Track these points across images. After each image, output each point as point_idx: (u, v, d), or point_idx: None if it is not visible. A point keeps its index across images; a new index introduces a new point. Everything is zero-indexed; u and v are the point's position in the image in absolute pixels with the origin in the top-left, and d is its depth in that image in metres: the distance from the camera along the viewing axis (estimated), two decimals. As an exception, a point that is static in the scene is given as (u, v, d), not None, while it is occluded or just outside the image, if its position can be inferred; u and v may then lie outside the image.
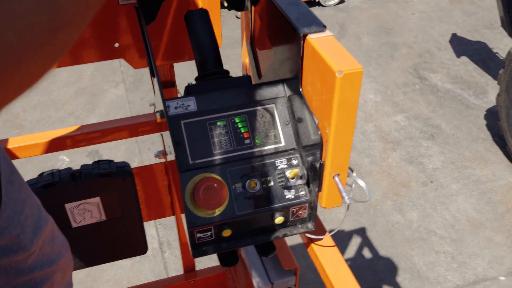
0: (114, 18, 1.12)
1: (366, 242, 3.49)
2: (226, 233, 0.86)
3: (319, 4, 6.33)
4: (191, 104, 0.86)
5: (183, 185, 0.83)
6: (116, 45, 1.15)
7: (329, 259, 0.92)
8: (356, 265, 3.31)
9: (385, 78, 5.10)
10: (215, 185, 0.81)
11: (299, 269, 1.20)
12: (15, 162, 1.03)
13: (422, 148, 4.23)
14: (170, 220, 3.52)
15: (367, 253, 3.41)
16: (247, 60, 1.15)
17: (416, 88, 4.95)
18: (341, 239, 3.46)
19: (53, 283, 1.03)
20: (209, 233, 0.86)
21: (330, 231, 0.95)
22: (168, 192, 1.49)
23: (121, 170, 1.36)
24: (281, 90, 0.89)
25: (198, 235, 0.85)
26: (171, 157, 0.89)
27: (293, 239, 3.32)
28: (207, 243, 0.88)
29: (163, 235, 3.55)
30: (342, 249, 3.39)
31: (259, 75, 1.11)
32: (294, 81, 0.88)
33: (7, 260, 0.90)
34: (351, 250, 3.42)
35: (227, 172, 0.86)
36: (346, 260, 3.28)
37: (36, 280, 0.97)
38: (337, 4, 6.41)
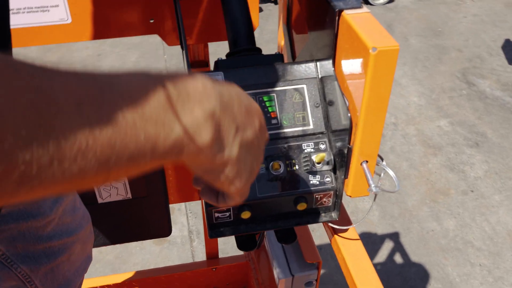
0: None
1: (399, 247, 3.39)
2: (245, 215, 0.82)
3: (367, 2, 6.21)
4: (219, 79, 0.83)
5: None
6: (151, 20, 1.13)
7: (352, 252, 0.87)
8: (386, 270, 3.22)
9: (431, 81, 4.95)
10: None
11: (321, 263, 1.16)
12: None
13: (465, 156, 4.08)
14: (202, 209, 3.53)
15: (398, 259, 3.32)
16: (282, 42, 1.12)
17: (463, 93, 4.78)
18: (373, 242, 3.38)
19: (72, 254, 1.01)
20: (227, 214, 0.82)
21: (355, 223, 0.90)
22: (196, 175, 1.46)
23: (150, 149, 1.34)
24: (313, 71, 0.85)
25: (216, 214, 0.82)
26: None
27: (322, 238, 3.26)
28: (224, 224, 0.84)
29: (193, 224, 3.56)
30: (373, 252, 3.30)
31: (293, 57, 1.07)
32: (327, 62, 0.83)
33: (25, 225, 0.89)
34: (382, 254, 3.34)
35: None
36: (376, 265, 3.19)
37: (55, 248, 0.96)
38: (386, 4, 6.27)
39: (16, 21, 1.06)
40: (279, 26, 1.14)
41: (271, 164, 0.81)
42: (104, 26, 1.12)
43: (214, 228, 0.84)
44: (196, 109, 0.46)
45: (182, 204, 3.60)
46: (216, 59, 0.88)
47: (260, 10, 6.18)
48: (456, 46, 5.51)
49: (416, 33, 5.79)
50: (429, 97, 4.74)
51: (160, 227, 1.51)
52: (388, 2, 6.27)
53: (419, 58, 5.31)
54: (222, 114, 0.48)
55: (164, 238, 3.32)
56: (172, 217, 3.44)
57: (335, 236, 0.91)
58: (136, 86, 0.45)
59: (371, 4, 6.21)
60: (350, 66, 0.72)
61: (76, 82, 0.43)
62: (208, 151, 0.48)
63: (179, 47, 1.13)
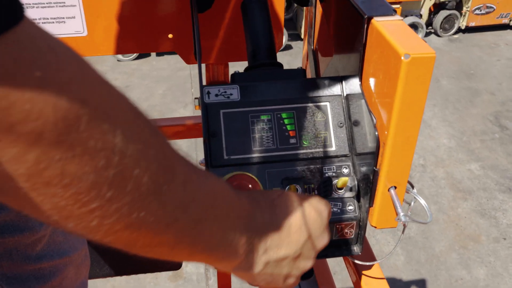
0: (169, 8, 1.06)
1: (425, 295, 3.21)
2: (256, 243, 0.73)
3: (397, 43, 6.17)
4: (234, 93, 0.76)
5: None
6: (170, 36, 1.08)
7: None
8: (412, 319, 3.04)
9: (461, 124, 4.82)
10: (249, 184, 0.70)
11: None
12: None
13: (497, 201, 3.90)
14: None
15: (425, 307, 3.14)
16: (307, 63, 1.05)
17: (496, 137, 4.62)
18: (398, 288, 3.21)
19: (64, 278, 0.94)
20: (236, 241, 0.74)
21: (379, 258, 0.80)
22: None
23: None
24: (338, 88, 0.78)
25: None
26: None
27: (345, 282, 3.11)
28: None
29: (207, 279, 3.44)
30: (398, 299, 3.13)
31: (318, 75, 0.99)
32: (353, 78, 0.76)
33: (12, 241, 0.82)
34: (407, 302, 3.16)
35: (266, 173, 0.74)
36: (401, 312, 3.01)
37: (45, 271, 0.89)
38: (416, 45, 6.22)
39: (30, 31, 1.02)
40: (304, 42, 1.08)
41: (287, 187, 0.73)
42: (121, 40, 1.07)
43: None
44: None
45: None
46: (233, 73, 0.82)
47: (290, 47, 6.19)
48: (488, 89, 5.39)
49: (448, 75, 5.69)
50: (459, 140, 4.60)
51: (170, 260, 1.42)
52: (418, 43, 6.22)
53: (450, 100, 5.19)
54: (256, 238, 0.57)
55: (178, 274, 3.22)
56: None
57: (358, 275, 0.81)
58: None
59: (401, 45, 6.16)
60: (379, 78, 0.64)
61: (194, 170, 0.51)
62: (236, 267, 0.58)
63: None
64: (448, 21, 6.48)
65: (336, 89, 0.78)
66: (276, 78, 0.79)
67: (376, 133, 0.66)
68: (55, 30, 1.03)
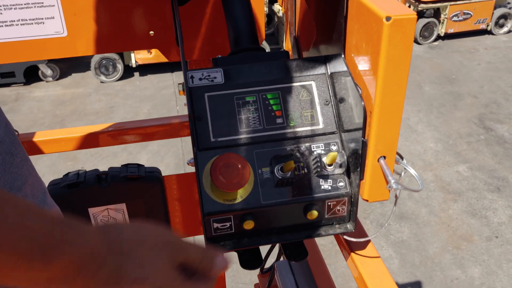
0: (150, 5, 1.05)
1: (422, 297, 3.19)
2: (248, 225, 0.72)
3: (379, 52, 6.24)
4: (218, 76, 0.76)
5: (200, 165, 0.72)
6: (151, 33, 1.08)
7: (372, 271, 0.76)
8: (410, 322, 3.02)
9: (447, 127, 4.86)
10: (237, 163, 0.69)
11: (338, 295, 1.04)
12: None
13: (487, 201, 3.92)
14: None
15: (422, 310, 3.12)
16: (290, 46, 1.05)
17: (481, 139, 4.66)
18: (394, 292, 3.18)
19: None
20: (228, 224, 0.73)
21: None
22: (201, 207, 1.37)
23: (150, 175, 1.26)
24: (322, 67, 0.77)
25: (215, 225, 0.72)
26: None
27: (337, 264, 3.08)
28: (225, 237, 0.74)
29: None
30: (395, 303, 3.10)
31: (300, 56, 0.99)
32: (337, 57, 0.76)
33: None
34: (404, 305, 3.14)
35: (254, 154, 0.73)
36: (399, 316, 2.99)
37: None
38: (397, 53, 6.29)
39: (9, 34, 1.01)
40: (286, 38, 1.08)
41: (276, 167, 0.72)
42: (102, 39, 1.07)
43: (213, 242, 0.74)
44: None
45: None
46: (216, 58, 0.81)
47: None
48: (471, 93, 5.45)
49: (430, 80, 5.75)
50: (446, 143, 4.63)
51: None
52: (399, 51, 6.29)
53: (434, 105, 5.24)
54: None
55: None
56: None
57: (352, 254, 0.80)
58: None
59: (382, 53, 6.22)
60: (362, 48, 0.64)
61: None
62: None
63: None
64: (427, 29, 6.57)
65: (320, 69, 0.77)
66: (259, 60, 0.79)
67: (363, 103, 0.65)
68: (35, 31, 1.02)
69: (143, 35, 1.08)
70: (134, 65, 6.04)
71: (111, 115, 5.35)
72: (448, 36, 6.80)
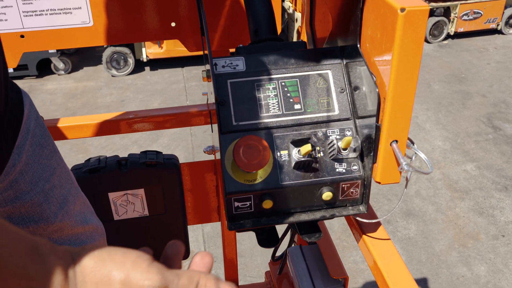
0: None
1: (427, 293, 3.23)
2: (267, 204, 0.77)
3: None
4: (240, 64, 0.80)
5: (223, 147, 0.76)
6: (173, 24, 1.12)
7: (383, 252, 0.80)
8: (415, 316, 3.05)
9: (455, 126, 4.87)
10: (258, 145, 0.73)
11: (348, 279, 1.08)
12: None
13: (494, 200, 3.94)
14: (221, 253, 3.43)
15: (427, 305, 3.15)
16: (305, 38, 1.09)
17: (489, 138, 4.68)
18: None
19: None
20: (248, 203, 0.77)
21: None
22: (215, 194, 1.42)
23: (168, 162, 1.30)
24: (338, 57, 0.82)
25: (236, 204, 0.77)
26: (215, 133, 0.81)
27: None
28: (245, 215, 0.79)
29: (213, 268, 3.44)
30: (401, 297, 3.14)
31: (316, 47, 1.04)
32: (352, 47, 0.80)
33: (27, 231, 0.84)
34: (410, 300, 3.17)
35: (273, 137, 0.78)
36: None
37: None
38: (407, 51, 6.30)
39: (39, 23, 1.06)
40: (302, 30, 1.12)
41: (297, 149, 0.77)
42: (126, 30, 1.12)
43: (234, 220, 0.79)
44: None
45: (202, 246, 3.51)
46: (238, 47, 0.86)
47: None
48: (480, 92, 5.46)
49: (439, 79, 5.77)
50: (454, 142, 4.65)
51: (177, 248, 1.44)
52: (409, 50, 6.30)
53: (442, 103, 5.26)
54: None
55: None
56: (189, 261, 3.35)
57: (364, 236, 0.84)
58: None
59: (392, 52, 6.24)
60: (377, 37, 0.68)
61: None
62: None
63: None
64: (437, 28, 6.58)
65: (336, 58, 0.82)
66: (278, 50, 0.83)
67: (377, 90, 0.70)
68: (63, 21, 1.07)
69: (165, 26, 1.13)
70: (145, 60, 6.10)
71: (122, 109, 5.41)
72: (458, 35, 6.81)
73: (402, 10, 0.60)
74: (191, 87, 5.89)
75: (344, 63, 0.81)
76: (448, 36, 6.79)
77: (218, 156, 0.91)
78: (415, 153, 0.71)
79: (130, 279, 0.49)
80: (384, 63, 0.67)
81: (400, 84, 0.65)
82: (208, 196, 1.43)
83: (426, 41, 6.65)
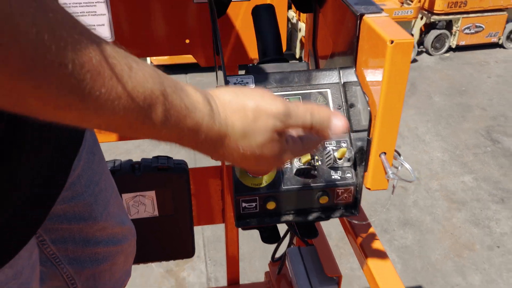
0: (187, 16, 1.21)
1: (422, 301, 3.31)
2: (271, 205, 0.87)
3: (391, 62, 6.35)
4: (249, 82, 0.91)
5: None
6: (187, 41, 1.23)
7: (372, 250, 0.90)
8: (409, 324, 3.13)
9: (454, 138, 4.97)
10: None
11: (342, 278, 1.18)
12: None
13: (490, 211, 4.03)
14: (220, 257, 3.52)
15: (422, 313, 3.24)
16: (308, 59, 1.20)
17: (488, 150, 4.78)
18: (395, 294, 3.30)
19: (114, 264, 1.06)
20: (254, 204, 0.87)
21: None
22: (220, 198, 1.52)
23: (178, 167, 1.41)
24: (336, 77, 0.92)
25: (243, 204, 0.87)
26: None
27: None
28: (251, 215, 0.89)
29: (212, 271, 3.53)
30: (396, 304, 3.22)
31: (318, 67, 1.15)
32: (349, 69, 0.90)
33: (77, 228, 0.95)
34: (404, 307, 3.25)
35: None
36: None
37: (99, 255, 1.02)
38: (409, 64, 6.40)
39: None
40: (305, 48, 1.23)
41: (298, 158, 0.87)
42: (144, 45, 1.22)
43: (241, 219, 0.89)
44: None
45: (202, 251, 3.60)
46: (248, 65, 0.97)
47: (286, 67, 6.36)
48: (480, 105, 5.56)
49: (440, 91, 5.87)
50: (452, 153, 4.74)
51: (184, 247, 1.55)
52: (411, 62, 6.40)
53: (442, 116, 5.36)
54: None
55: (181, 284, 3.31)
56: (190, 264, 3.44)
57: (357, 238, 0.94)
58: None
59: (394, 64, 6.33)
60: (370, 63, 0.79)
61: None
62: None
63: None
64: (439, 40, 6.69)
65: (335, 78, 0.92)
66: (284, 69, 0.94)
67: (369, 108, 0.80)
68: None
69: (180, 43, 1.23)
70: (150, 66, 6.19)
71: None
72: (459, 48, 6.92)
73: (391, 42, 0.71)
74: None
75: (342, 82, 0.92)
76: (450, 49, 6.90)
77: (225, 162, 1.02)
78: (401, 163, 0.81)
79: (260, 106, 0.60)
80: (376, 85, 0.77)
81: (389, 104, 0.75)
82: (212, 199, 1.54)
83: (428, 53, 6.77)
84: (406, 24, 6.35)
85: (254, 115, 0.60)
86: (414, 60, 6.51)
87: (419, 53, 6.79)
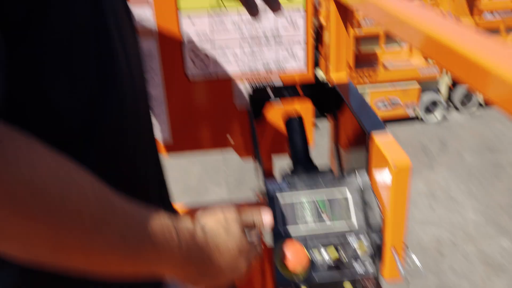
0: (229, 116, 1.52)
1: None
2: (307, 294, 1.06)
3: (420, 119, 6.47)
4: (284, 187, 1.13)
5: (275, 246, 1.07)
6: (228, 136, 1.51)
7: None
8: None
9: (487, 198, 4.96)
10: (301, 250, 1.04)
11: None
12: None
13: (530, 277, 3.95)
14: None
15: None
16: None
17: (522, 210, 4.75)
18: None
19: None
20: (292, 294, 1.06)
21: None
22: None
23: None
24: (356, 182, 1.13)
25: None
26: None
27: None
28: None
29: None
30: None
31: (341, 169, 1.37)
32: (365, 175, 1.12)
33: None
34: None
35: (306, 239, 1.08)
36: None
37: None
38: (439, 122, 6.50)
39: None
40: (330, 145, 1.47)
41: (327, 254, 1.06)
42: (190, 140, 1.50)
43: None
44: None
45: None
46: (282, 173, 1.20)
47: (316, 126, 6.59)
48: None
49: (471, 149, 5.91)
50: (486, 214, 4.71)
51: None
52: (442, 120, 6.50)
53: (474, 174, 5.38)
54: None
55: None
56: None
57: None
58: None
59: (423, 121, 6.44)
60: (380, 176, 1.00)
61: None
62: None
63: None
64: (467, 97, 6.72)
65: (354, 182, 1.13)
66: (312, 175, 1.16)
67: (381, 214, 1.00)
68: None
69: (222, 137, 1.54)
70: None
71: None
72: (489, 105, 6.96)
73: (395, 167, 0.92)
74: (229, 158, 6.17)
75: (360, 187, 1.12)
76: (479, 105, 6.92)
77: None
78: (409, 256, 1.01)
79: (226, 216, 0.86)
80: (384, 196, 0.98)
81: (395, 211, 0.96)
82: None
83: (457, 110, 6.77)
84: (433, 84, 6.48)
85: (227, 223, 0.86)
86: (444, 118, 6.60)
87: (447, 110, 6.81)
